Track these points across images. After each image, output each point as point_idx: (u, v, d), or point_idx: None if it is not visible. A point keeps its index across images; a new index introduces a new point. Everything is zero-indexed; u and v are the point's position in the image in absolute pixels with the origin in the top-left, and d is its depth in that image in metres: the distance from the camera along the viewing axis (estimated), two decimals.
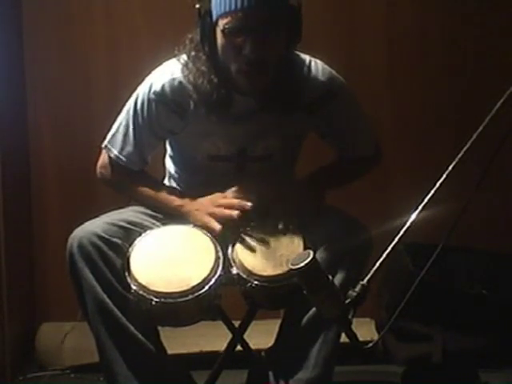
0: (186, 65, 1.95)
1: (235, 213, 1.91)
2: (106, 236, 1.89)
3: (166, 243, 1.94)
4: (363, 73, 2.93)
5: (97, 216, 1.99)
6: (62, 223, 2.86)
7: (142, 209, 2.07)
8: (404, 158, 2.99)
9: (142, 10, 2.90)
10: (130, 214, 2.03)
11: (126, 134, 2.04)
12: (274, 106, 1.95)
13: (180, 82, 1.96)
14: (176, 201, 2.02)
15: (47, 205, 2.97)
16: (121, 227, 1.94)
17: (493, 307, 2.42)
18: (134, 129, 2.03)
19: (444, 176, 1.54)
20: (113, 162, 2.08)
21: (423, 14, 2.98)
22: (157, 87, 1.97)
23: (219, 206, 1.94)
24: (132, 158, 2.05)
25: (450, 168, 1.54)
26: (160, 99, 1.97)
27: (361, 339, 1.56)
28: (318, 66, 2.02)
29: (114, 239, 1.91)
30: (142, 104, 2.00)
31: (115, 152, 2.05)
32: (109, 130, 2.10)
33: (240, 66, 1.85)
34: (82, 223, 1.95)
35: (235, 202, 1.93)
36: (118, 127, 2.06)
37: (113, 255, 1.89)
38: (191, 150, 2.08)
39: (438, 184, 1.54)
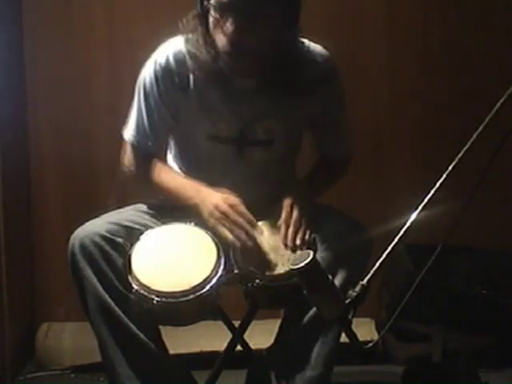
0: (187, 38, 1.95)
1: (243, 240, 1.87)
2: (108, 235, 1.89)
3: (167, 242, 1.94)
4: (363, 73, 2.93)
5: (97, 216, 1.99)
6: (62, 223, 2.87)
7: (143, 208, 2.07)
8: (404, 158, 3.00)
9: (143, 9, 2.90)
10: (131, 213, 2.03)
11: (139, 119, 2.03)
12: (274, 87, 1.95)
13: (183, 55, 1.96)
14: (189, 191, 1.97)
15: (47, 205, 2.97)
16: (122, 226, 1.94)
17: (493, 307, 2.42)
18: (147, 111, 2.01)
19: (444, 176, 1.54)
20: (135, 149, 2.05)
21: (423, 13, 2.98)
22: (161, 60, 1.97)
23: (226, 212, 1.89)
24: (151, 140, 2.02)
25: (450, 168, 1.54)
26: (165, 73, 1.97)
27: (361, 339, 1.56)
28: (316, 49, 2.02)
29: (116, 238, 1.90)
30: (151, 83, 1.99)
31: (133, 138, 2.03)
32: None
33: (224, 46, 1.85)
34: (82, 223, 1.95)
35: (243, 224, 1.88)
36: (132, 114, 2.05)
37: (115, 254, 1.89)
38: (192, 129, 2.04)
39: (438, 184, 1.54)
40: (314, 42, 2.03)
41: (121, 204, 2.11)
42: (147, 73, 2.01)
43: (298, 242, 1.87)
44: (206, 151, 2.05)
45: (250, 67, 1.89)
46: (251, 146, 2.02)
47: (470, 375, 2.42)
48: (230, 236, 1.86)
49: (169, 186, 2.02)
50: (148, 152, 2.04)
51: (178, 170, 2.13)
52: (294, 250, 1.86)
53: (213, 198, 1.91)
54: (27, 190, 2.95)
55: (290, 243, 1.87)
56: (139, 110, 2.03)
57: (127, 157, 2.07)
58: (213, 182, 1.98)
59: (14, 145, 2.80)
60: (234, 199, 1.90)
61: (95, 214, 1.99)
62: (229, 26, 1.81)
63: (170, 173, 2.06)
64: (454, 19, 2.98)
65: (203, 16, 1.89)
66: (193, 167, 2.10)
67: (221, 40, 1.85)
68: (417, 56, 3.00)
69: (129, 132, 2.05)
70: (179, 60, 1.97)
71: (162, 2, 2.91)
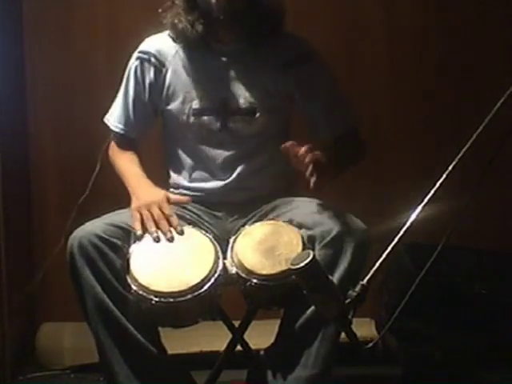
0: (166, 17, 2.10)
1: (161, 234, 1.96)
2: (106, 236, 1.90)
3: (165, 244, 1.95)
4: (363, 73, 2.93)
5: (97, 216, 1.99)
6: (61, 223, 2.86)
7: None
8: (404, 157, 2.99)
9: (144, 9, 2.90)
10: (130, 214, 2.03)
11: (122, 103, 2.17)
12: (255, 52, 2.05)
13: (162, 38, 2.14)
14: (133, 180, 2.12)
15: (47, 205, 2.97)
16: (121, 228, 1.95)
17: (493, 307, 2.42)
18: (126, 93, 2.17)
19: (444, 176, 1.54)
20: (113, 133, 2.21)
21: (423, 13, 2.98)
22: (143, 47, 2.16)
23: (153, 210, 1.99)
24: (129, 124, 2.17)
25: (450, 168, 1.54)
26: (145, 56, 2.14)
27: (361, 339, 1.55)
28: (294, 35, 2.14)
29: (114, 240, 1.91)
30: (135, 68, 2.15)
31: (113, 122, 2.18)
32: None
33: None
34: (82, 223, 1.95)
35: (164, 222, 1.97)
36: (116, 100, 2.20)
37: (113, 255, 1.90)
38: (177, 110, 2.11)
39: (438, 184, 1.54)
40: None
41: (118, 206, 2.11)
42: (131, 62, 2.17)
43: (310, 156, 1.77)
44: (192, 127, 2.11)
45: (237, 15, 2.00)
46: (235, 115, 2.09)
47: (470, 375, 2.41)
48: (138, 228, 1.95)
49: (123, 170, 2.17)
50: (123, 135, 2.18)
51: (170, 156, 2.21)
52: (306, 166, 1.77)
53: (146, 196, 2.03)
54: (27, 190, 2.95)
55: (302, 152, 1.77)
56: (124, 97, 2.17)
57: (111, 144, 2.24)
58: (203, 158, 2.11)
59: (14, 145, 2.80)
60: (163, 203, 2.01)
61: (95, 215, 1.99)
62: None
63: (128, 159, 2.19)
64: (453, 19, 2.98)
65: None
66: (182, 149, 2.16)
67: None
68: (417, 56, 3.00)
69: (112, 119, 2.20)
70: (157, 42, 2.14)
71: (162, 3, 2.90)
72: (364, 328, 2.58)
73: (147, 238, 1.95)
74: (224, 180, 2.11)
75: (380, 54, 2.99)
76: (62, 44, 2.91)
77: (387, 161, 3.00)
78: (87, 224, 1.95)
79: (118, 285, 1.88)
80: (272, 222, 1.99)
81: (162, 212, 1.98)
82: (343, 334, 1.57)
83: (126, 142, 2.20)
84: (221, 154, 2.10)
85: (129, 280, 1.86)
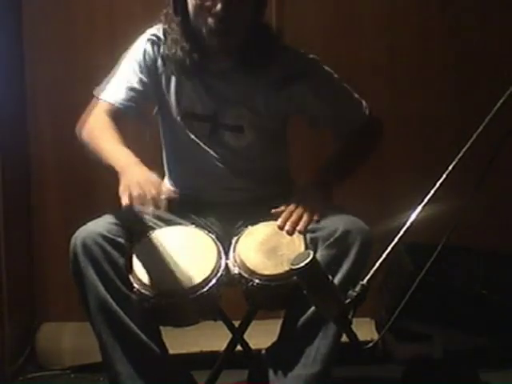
0: (160, 38, 2.08)
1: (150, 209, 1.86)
2: (110, 235, 1.90)
3: (168, 243, 1.95)
4: (363, 73, 2.93)
5: (97, 216, 1.99)
6: (62, 223, 2.86)
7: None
8: (404, 157, 2.99)
9: (144, 10, 2.90)
10: (132, 213, 2.03)
11: (120, 78, 2.12)
12: (245, 73, 2.04)
13: (158, 41, 2.09)
14: (121, 158, 1.98)
15: (47, 205, 2.97)
16: (124, 227, 1.95)
17: (493, 307, 2.42)
18: (123, 70, 2.12)
19: (444, 176, 1.54)
20: (101, 106, 2.12)
21: (423, 13, 2.98)
22: (154, 31, 2.11)
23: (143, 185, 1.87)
24: (124, 98, 2.09)
25: (450, 168, 1.54)
26: (155, 41, 2.09)
27: (361, 339, 1.56)
28: (292, 48, 2.11)
29: (118, 239, 1.91)
30: (144, 48, 2.10)
31: (104, 94, 2.12)
32: None
33: (212, 25, 1.95)
34: (82, 223, 1.95)
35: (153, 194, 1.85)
36: (109, 78, 2.16)
37: (116, 255, 1.89)
38: (171, 111, 2.11)
39: (438, 184, 1.54)
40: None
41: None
42: (139, 41, 2.12)
43: (297, 227, 1.94)
44: (183, 129, 2.10)
45: (236, 40, 2.00)
46: (223, 129, 2.09)
47: (470, 375, 2.42)
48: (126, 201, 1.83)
49: (110, 145, 2.03)
50: (119, 110, 2.10)
51: (166, 158, 2.21)
52: (290, 234, 1.94)
53: (138, 172, 1.91)
54: (27, 189, 2.95)
55: (286, 226, 1.95)
56: (117, 74, 2.13)
57: (90, 111, 2.16)
58: (189, 159, 2.11)
59: (14, 145, 2.80)
60: (155, 180, 1.89)
61: (95, 215, 1.99)
62: (216, 5, 1.92)
63: (116, 137, 2.05)
64: (453, 19, 2.98)
65: (178, 8, 2.02)
66: (172, 148, 2.17)
67: (206, 23, 1.96)
68: (417, 55, 3.00)
69: (102, 90, 2.13)
70: (153, 45, 2.10)
71: (162, 2, 2.90)
72: (364, 328, 2.59)
73: (150, 237, 1.95)
74: (218, 181, 2.11)
75: (380, 53, 2.99)
76: (62, 44, 2.91)
77: (387, 161, 3.00)
78: (90, 223, 1.94)
79: (121, 284, 1.88)
80: (274, 222, 1.99)
81: (150, 190, 1.85)
82: (343, 334, 1.57)
83: (117, 118, 2.10)
84: (212, 156, 2.10)
85: (131, 279, 1.87)
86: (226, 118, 2.08)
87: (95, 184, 2.90)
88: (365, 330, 2.56)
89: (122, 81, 2.11)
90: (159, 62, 2.10)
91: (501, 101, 1.56)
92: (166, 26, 2.07)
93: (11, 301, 2.60)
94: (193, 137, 2.10)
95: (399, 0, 2.97)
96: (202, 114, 2.09)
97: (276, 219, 1.97)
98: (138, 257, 1.90)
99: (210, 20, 1.95)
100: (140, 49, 2.11)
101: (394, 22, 2.97)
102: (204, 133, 2.09)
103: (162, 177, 2.23)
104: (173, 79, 2.09)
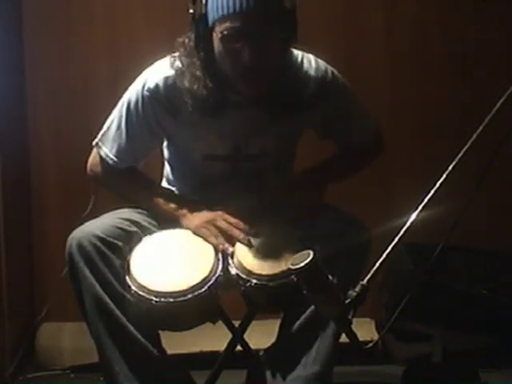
0: (180, 70, 1.93)
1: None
2: (106, 237, 1.89)
3: (165, 245, 1.95)
4: (363, 73, 2.93)
5: (96, 216, 1.99)
6: (62, 223, 2.86)
7: (141, 209, 2.07)
8: (404, 157, 2.99)
9: (143, 11, 2.90)
10: (129, 214, 2.03)
11: (117, 132, 2.01)
12: (272, 105, 1.95)
13: (174, 82, 1.94)
14: (173, 206, 2.00)
15: (47, 205, 2.97)
16: (120, 228, 1.94)
17: (493, 307, 2.42)
18: (127, 127, 2.00)
19: (444, 176, 1.54)
20: (103, 160, 2.05)
21: (424, 13, 2.98)
22: (151, 84, 1.95)
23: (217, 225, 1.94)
24: (123, 157, 2.03)
25: (450, 168, 1.54)
26: (154, 96, 1.95)
27: (361, 339, 1.55)
28: (310, 63, 2.01)
29: (114, 240, 1.91)
30: (136, 102, 1.98)
31: (106, 150, 2.03)
32: None
33: (239, 72, 1.85)
34: (82, 223, 1.95)
35: (236, 232, 1.93)
36: (110, 125, 2.04)
37: (112, 256, 1.89)
38: (186, 150, 2.06)
39: (438, 184, 1.54)
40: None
41: (118, 205, 2.10)
42: (134, 94, 1.99)
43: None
44: (201, 168, 2.06)
45: (265, 85, 1.90)
46: (246, 159, 2.04)
47: (470, 375, 2.42)
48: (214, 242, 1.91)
49: (144, 194, 2.05)
50: (118, 165, 2.04)
51: (172, 178, 2.16)
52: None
53: (200, 214, 1.96)
54: (27, 189, 2.95)
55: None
56: (119, 127, 2.01)
57: (95, 163, 2.09)
58: (209, 199, 2.02)
59: (14, 145, 2.80)
60: (223, 215, 1.95)
61: (94, 215, 1.99)
62: (244, 54, 1.81)
63: (144, 183, 2.08)
64: (453, 19, 2.98)
65: (202, 48, 1.87)
66: (189, 186, 2.12)
67: (233, 68, 1.85)
68: (417, 55, 3.00)
69: (105, 147, 2.04)
70: (169, 87, 1.94)
71: (162, 2, 2.91)
72: (364, 328, 2.59)
73: (147, 239, 1.95)
74: (229, 194, 2.06)
75: (380, 55, 2.99)
76: (62, 44, 2.91)
77: (387, 161, 2.99)
78: (86, 224, 1.94)
79: (118, 285, 1.88)
80: (270, 223, 1.98)
81: (229, 223, 1.94)
82: (343, 334, 1.57)
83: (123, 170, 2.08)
84: (226, 190, 2.05)
85: (129, 281, 1.86)
86: (250, 149, 2.02)
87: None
88: (365, 330, 2.56)
89: (125, 143, 2.01)
90: (160, 115, 1.97)
91: (501, 101, 1.56)
92: (187, 59, 1.92)
93: (11, 301, 2.60)
94: (212, 173, 2.06)
95: (399, 3, 2.97)
96: (223, 154, 2.02)
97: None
98: (135, 259, 1.90)
99: (238, 67, 1.83)
100: (137, 103, 1.98)
101: (395, 22, 2.97)
102: (225, 172, 2.04)
103: (160, 179, 2.24)
104: (187, 117, 1.96)
